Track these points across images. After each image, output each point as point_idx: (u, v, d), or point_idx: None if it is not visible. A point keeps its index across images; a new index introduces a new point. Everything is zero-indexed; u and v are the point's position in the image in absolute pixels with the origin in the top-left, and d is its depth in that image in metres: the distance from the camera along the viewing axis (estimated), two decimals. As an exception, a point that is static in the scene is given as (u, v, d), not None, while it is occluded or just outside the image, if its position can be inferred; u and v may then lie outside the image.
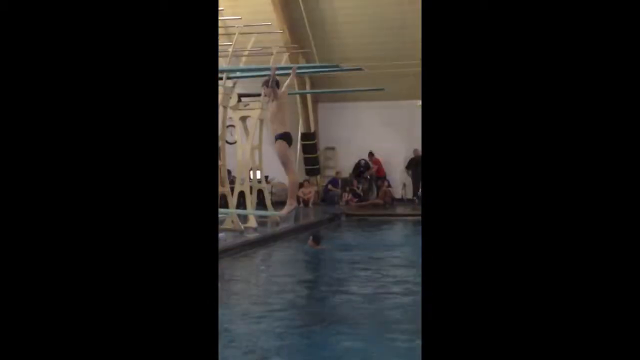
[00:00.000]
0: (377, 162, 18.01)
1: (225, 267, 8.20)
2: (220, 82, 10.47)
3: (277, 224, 11.99)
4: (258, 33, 13.01)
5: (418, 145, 17.51)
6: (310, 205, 16.99)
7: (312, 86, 17.60)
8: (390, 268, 8.82)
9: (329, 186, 18.01)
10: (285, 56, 15.15)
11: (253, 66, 12.55)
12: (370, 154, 17.93)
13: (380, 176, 17.87)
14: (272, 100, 7.76)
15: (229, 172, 13.49)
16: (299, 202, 16.67)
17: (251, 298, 7.07)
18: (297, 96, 17.36)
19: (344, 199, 17.47)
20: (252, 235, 10.75)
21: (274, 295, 7.12)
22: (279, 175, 13.66)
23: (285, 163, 8.31)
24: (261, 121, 12.22)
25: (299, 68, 14.19)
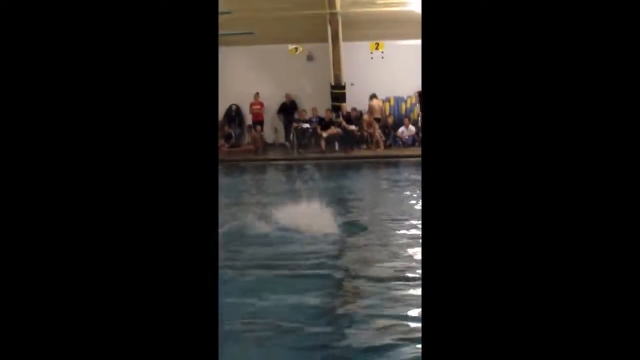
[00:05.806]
0: (261, 105, 17.75)
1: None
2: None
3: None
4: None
5: (289, 90, 17.54)
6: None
7: (178, 29, 16.93)
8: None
9: None
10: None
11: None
12: (257, 95, 17.64)
13: (259, 120, 17.67)
14: None
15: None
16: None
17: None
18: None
19: (216, 145, 17.23)
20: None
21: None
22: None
23: None
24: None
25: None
